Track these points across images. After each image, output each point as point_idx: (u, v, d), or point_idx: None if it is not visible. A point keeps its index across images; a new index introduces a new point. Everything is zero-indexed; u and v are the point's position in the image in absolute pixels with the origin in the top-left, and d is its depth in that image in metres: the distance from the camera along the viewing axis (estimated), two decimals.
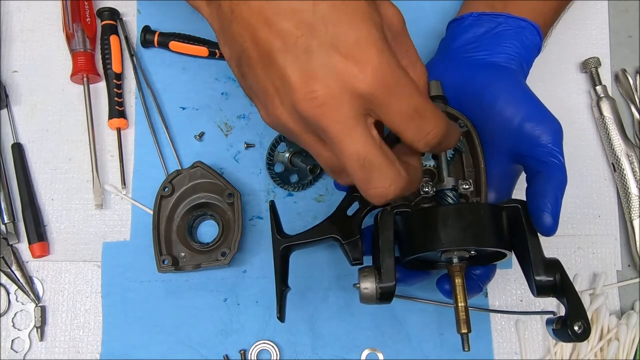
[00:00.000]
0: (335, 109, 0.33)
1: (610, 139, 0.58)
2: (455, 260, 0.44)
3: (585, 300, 0.55)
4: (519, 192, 0.51)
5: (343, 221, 0.47)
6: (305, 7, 0.33)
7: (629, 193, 0.57)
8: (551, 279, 0.43)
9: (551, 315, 0.44)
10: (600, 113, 0.59)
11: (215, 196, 0.56)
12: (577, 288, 0.56)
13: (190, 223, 0.56)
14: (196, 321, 0.56)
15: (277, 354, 0.55)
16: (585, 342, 0.54)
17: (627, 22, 0.63)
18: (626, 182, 0.57)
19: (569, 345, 0.55)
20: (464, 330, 0.43)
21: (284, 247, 0.47)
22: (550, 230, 0.43)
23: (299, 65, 0.33)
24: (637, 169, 0.57)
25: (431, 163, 0.48)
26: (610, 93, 0.60)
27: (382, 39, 0.34)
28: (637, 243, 0.57)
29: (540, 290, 0.43)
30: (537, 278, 0.43)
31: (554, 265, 0.43)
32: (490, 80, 0.49)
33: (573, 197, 0.59)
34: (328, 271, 0.57)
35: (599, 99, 0.59)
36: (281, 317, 0.46)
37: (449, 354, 0.55)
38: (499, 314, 0.56)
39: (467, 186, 0.46)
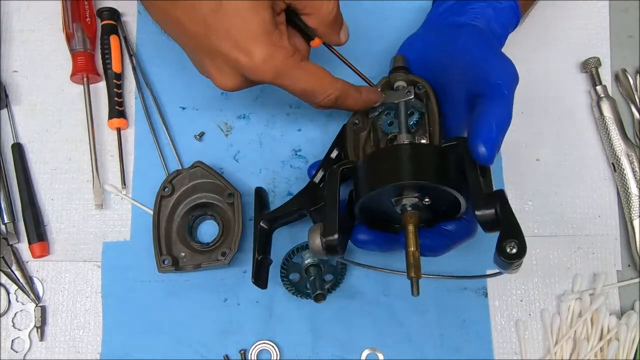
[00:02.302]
0: (279, 67, 0.45)
1: (610, 139, 0.58)
2: (408, 208, 0.44)
3: (586, 300, 0.55)
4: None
5: (312, 192, 0.50)
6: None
7: (629, 193, 0.57)
8: (491, 211, 0.41)
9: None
10: (601, 113, 0.59)
11: (215, 196, 0.56)
12: (577, 288, 0.56)
13: (190, 223, 0.56)
14: (196, 321, 0.56)
15: (277, 354, 0.55)
16: (585, 342, 0.54)
17: (627, 22, 0.63)
18: (626, 182, 0.57)
19: (569, 345, 0.55)
20: (413, 274, 0.42)
21: (262, 221, 0.51)
22: (485, 158, 0.42)
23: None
24: (637, 169, 0.57)
25: (393, 130, 0.50)
26: (610, 93, 0.60)
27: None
28: (637, 243, 0.57)
29: (483, 225, 0.41)
30: (477, 212, 0.41)
31: (494, 197, 0.41)
32: (454, 36, 0.50)
33: (573, 197, 0.59)
34: None
35: (599, 99, 0.59)
36: (256, 282, 0.49)
37: (448, 354, 0.55)
38: (498, 315, 0.56)
39: (424, 141, 0.48)
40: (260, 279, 0.50)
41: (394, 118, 0.51)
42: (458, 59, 0.48)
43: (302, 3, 0.47)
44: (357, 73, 0.52)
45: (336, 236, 0.43)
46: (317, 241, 0.44)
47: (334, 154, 0.52)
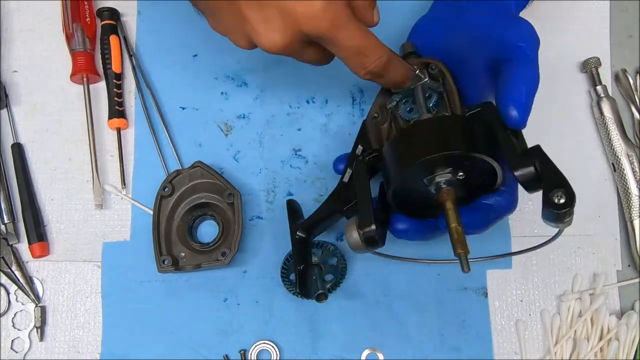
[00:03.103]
0: (336, 18, 0.41)
1: (610, 139, 0.58)
2: (443, 185, 0.43)
3: (585, 300, 0.55)
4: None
5: (343, 193, 0.49)
6: None
7: (629, 193, 0.57)
8: (530, 169, 0.39)
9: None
10: (601, 113, 0.59)
11: (215, 196, 0.56)
12: (577, 288, 0.56)
13: (190, 223, 0.56)
14: (196, 321, 0.56)
15: (277, 354, 0.55)
16: (585, 342, 0.54)
17: (627, 22, 0.63)
18: (626, 182, 0.57)
19: (569, 345, 0.55)
20: (460, 251, 0.41)
21: (298, 231, 0.50)
22: (517, 121, 0.42)
23: None
24: (637, 169, 0.57)
25: (413, 117, 0.49)
26: (610, 93, 0.60)
27: None
28: (637, 243, 0.57)
29: (525, 185, 0.40)
30: (517, 173, 0.39)
31: (531, 153, 0.40)
32: (465, 9, 0.50)
33: None
34: None
35: (599, 99, 0.59)
36: (301, 291, 0.48)
37: (449, 354, 0.55)
38: (498, 315, 0.56)
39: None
40: (305, 288, 0.49)
41: (413, 104, 0.50)
42: (472, 30, 0.48)
43: None
44: None
45: (373, 227, 0.42)
46: (354, 235, 0.43)
47: (358, 151, 0.50)
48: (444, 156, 0.41)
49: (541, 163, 0.39)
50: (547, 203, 0.38)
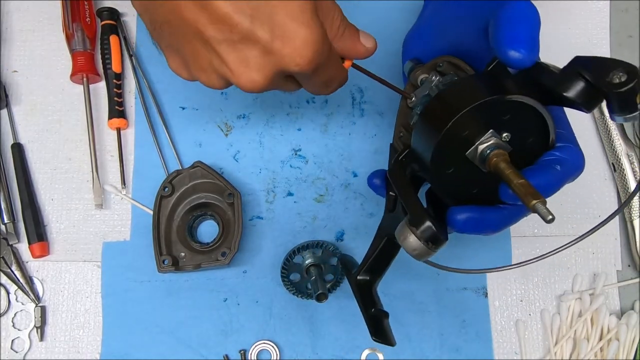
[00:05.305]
0: (321, 56, 0.37)
1: (610, 139, 0.58)
2: (487, 151, 0.36)
3: (585, 300, 0.55)
4: None
5: (391, 220, 0.43)
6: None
7: (629, 193, 0.57)
8: (580, 83, 0.34)
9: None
10: (601, 113, 0.59)
11: (215, 196, 0.56)
12: (577, 288, 0.56)
13: (190, 223, 0.56)
14: (196, 321, 0.56)
15: (277, 354, 0.55)
16: (585, 342, 0.54)
17: (627, 22, 0.63)
18: (626, 182, 0.57)
19: (569, 345, 0.55)
20: (535, 200, 0.33)
21: (359, 278, 0.44)
22: (522, 60, 0.35)
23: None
24: (637, 169, 0.57)
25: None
26: None
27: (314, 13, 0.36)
28: (637, 243, 0.57)
29: (585, 104, 0.34)
30: (569, 95, 0.34)
31: (571, 66, 0.34)
32: (452, 6, 0.46)
33: (573, 197, 0.59)
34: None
35: None
36: (378, 337, 0.42)
37: (449, 354, 0.55)
38: (498, 315, 0.56)
39: None
40: (383, 334, 0.42)
41: None
42: (463, 13, 0.44)
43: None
44: (392, 88, 0.46)
45: (428, 222, 0.36)
46: (409, 238, 0.36)
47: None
48: (476, 109, 0.35)
49: (587, 68, 0.33)
50: (607, 85, 0.32)
